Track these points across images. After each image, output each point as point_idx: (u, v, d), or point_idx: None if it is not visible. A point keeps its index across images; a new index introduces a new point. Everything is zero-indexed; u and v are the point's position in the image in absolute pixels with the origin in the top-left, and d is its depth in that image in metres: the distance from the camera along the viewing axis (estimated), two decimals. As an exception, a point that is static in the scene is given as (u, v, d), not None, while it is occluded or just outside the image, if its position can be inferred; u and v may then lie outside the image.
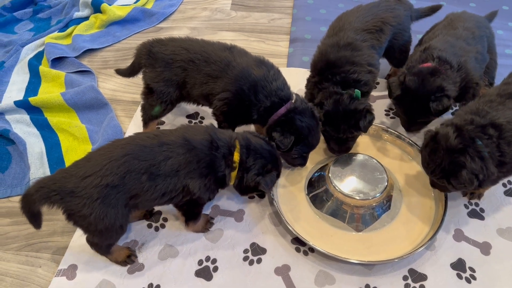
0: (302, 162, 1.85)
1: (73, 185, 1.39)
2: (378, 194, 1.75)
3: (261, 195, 1.88)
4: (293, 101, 1.75)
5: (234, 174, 1.58)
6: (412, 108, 1.89)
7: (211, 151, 1.53)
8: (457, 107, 2.21)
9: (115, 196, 1.42)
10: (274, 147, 1.68)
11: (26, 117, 2.19)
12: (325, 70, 1.90)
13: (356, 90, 1.83)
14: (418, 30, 2.37)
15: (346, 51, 1.92)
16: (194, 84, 1.82)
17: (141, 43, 1.93)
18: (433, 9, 2.36)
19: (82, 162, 1.45)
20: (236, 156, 1.57)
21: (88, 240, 1.61)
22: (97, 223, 1.45)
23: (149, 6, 2.97)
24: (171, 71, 1.84)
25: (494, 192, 1.90)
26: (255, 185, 1.60)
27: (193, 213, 1.70)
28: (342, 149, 1.93)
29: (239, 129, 2.07)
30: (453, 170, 1.56)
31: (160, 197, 1.51)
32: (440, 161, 1.59)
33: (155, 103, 1.91)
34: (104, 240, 1.58)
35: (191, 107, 2.25)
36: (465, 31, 1.98)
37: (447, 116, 2.03)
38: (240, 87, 1.75)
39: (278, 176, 1.68)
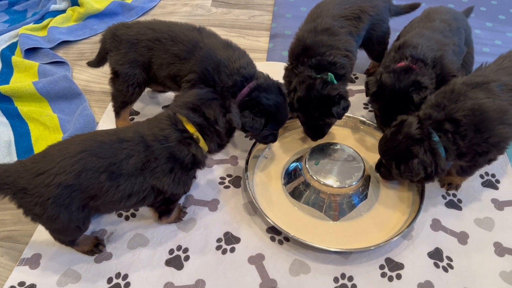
0: (273, 139, 1.80)
1: (25, 182, 1.30)
2: (354, 182, 1.72)
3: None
4: (257, 79, 1.71)
5: (202, 143, 1.50)
6: (389, 104, 1.86)
7: (163, 145, 1.43)
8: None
9: (69, 196, 1.32)
10: (212, 90, 1.60)
11: (-5, 106, 2.11)
12: (301, 55, 1.88)
13: (329, 74, 1.80)
14: (398, 28, 2.37)
15: (323, 35, 1.90)
16: (161, 64, 1.77)
17: (105, 29, 1.88)
18: (412, 7, 2.37)
19: (38, 157, 1.35)
20: (191, 128, 1.47)
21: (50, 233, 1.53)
22: (50, 223, 1.38)
23: (128, 0, 2.93)
24: (136, 52, 1.78)
25: (471, 184, 1.89)
26: (230, 125, 1.53)
27: (167, 210, 1.63)
28: (316, 135, 1.90)
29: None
30: (405, 156, 1.59)
31: (126, 198, 1.41)
32: (397, 144, 1.61)
33: (122, 87, 1.84)
34: (63, 237, 1.52)
35: (166, 98, 2.20)
36: (442, 23, 1.98)
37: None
38: (205, 68, 1.70)
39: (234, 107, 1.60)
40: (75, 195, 1.33)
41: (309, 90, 1.77)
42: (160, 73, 1.79)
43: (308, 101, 1.78)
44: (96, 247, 1.59)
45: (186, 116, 1.49)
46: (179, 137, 1.45)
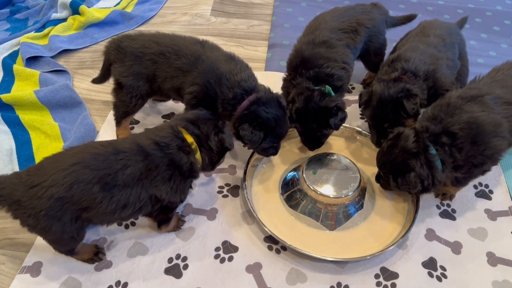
0: (274, 152, 1.84)
1: (20, 194, 1.33)
2: (351, 193, 1.76)
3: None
4: (257, 92, 1.74)
5: (198, 155, 1.55)
6: (379, 113, 1.88)
7: (164, 152, 1.47)
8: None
9: (61, 208, 1.34)
10: (208, 112, 1.67)
11: (-3, 114, 2.14)
12: (299, 66, 1.92)
13: (327, 86, 1.84)
14: (394, 38, 2.42)
15: (321, 48, 1.94)
16: (165, 77, 1.81)
17: (109, 40, 1.92)
18: (408, 18, 2.41)
19: (33, 170, 1.38)
20: (189, 138, 1.53)
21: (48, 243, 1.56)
22: (44, 234, 1.42)
23: (129, 9, 2.97)
24: (141, 65, 1.82)
25: (465, 194, 1.92)
26: (222, 144, 1.59)
27: (166, 218, 1.66)
28: (314, 145, 1.95)
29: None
30: (402, 169, 1.62)
31: (120, 209, 1.42)
32: (394, 158, 1.65)
33: (125, 98, 1.88)
34: (60, 247, 1.55)
35: (166, 107, 2.23)
36: (436, 38, 2.02)
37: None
38: (207, 80, 1.74)
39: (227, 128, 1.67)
40: (66, 207, 1.35)
41: (307, 101, 1.81)
42: (164, 86, 1.84)
43: (306, 113, 1.82)
44: (96, 256, 1.62)
45: (186, 127, 1.55)
46: (180, 145, 1.50)
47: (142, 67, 1.82)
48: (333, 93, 1.86)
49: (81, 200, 1.35)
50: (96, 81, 2.09)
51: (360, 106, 1.97)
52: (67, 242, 1.49)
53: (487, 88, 1.76)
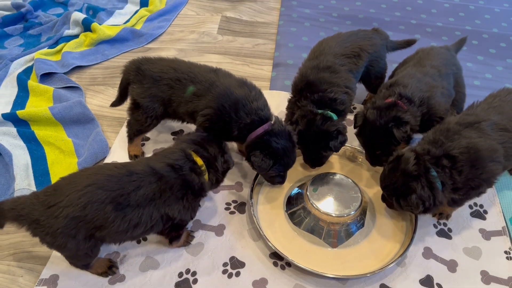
0: (281, 180, 1.94)
1: (38, 214, 1.42)
2: (352, 212, 1.85)
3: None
4: (272, 122, 1.84)
5: (206, 176, 1.67)
6: (371, 139, 2.00)
7: (178, 173, 1.57)
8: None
9: (75, 227, 1.42)
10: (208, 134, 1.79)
11: (13, 129, 2.22)
12: (304, 90, 2.03)
13: (329, 112, 1.95)
14: (393, 59, 2.53)
15: (325, 73, 2.05)
16: (180, 102, 1.91)
17: (129, 60, 2.02)
18: (408, 43, 2.51)
19: (50, 190, 1.46)
20: (199, 160, 1.65)
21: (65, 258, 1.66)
22: (61, 250, 1.52)
23: (138, 27, 3.06)
24: (158, 88, 1.92)
25: (461, 214, 2.01)
26: (227, 165, 1.74)
27: (177, 235, 1.75)
28: (315, 164, 2.06)
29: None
30: (404, 192, 1.70)
31: (132, 228, 1.50)
32: (395, 180, 1.73)
33: (140, 118, 1.98)
34: (75, 262, 1.64)
35: (176, 124, 2.32)
36: (432, 69, 2.11)
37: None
38: (222, 104, 1.83)
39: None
40: (81, 226, 1.43)
41: (309, 124, 1.92)
42: (179, 110, 1.94)
43: (308, 135, 1.93)
44: (110, 269, 1.70)
45: (196, 151, 1.67)
46: (192, 167, 1.62)
47: (159, 90, 1.92)
48: (335, 117, 1.96)
49: (95, 219, 1.44)
50: (115, 104, 2.18)
51: (354, 128, 2.07)
52: (82, 258, 1.59)
53: (484, 115, 1.86)
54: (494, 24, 3.34)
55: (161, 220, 1.57)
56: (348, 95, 2.05)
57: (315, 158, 2.05)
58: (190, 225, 1.89)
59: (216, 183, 1.75)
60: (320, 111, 1.95)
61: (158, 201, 1.53)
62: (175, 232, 1.72)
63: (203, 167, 1.65)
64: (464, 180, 1.71)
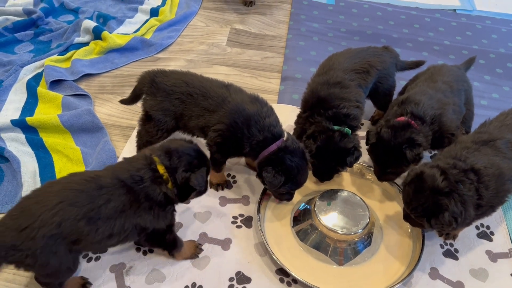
0: (289, 198, 1.94)
1: (12, 239, 1.39)
2: (360, 230, 1.84)
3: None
4: (284, 139, 1.85)
5: (170, 185, 1.57)
6: (384, 157, 2.00)
7: (139, 185, 1.52)
8: (434, 152, 2.34)
9: (54, 244, 1.42)
10: (196, 144, 1.67)
11: (21, 136, 2.23)
12: (316, 106, 2.04)
13: (346, 128, 1.97)
14: (403, 77, 2.54)
15: (336, 88, 2.07)
16: (191, 116, 1.92)
17: (144, 72, 2.04)
18: (418, 64, 2.52)
19: (16, 213, 1.43)
20: (160, 169, 1.56)
21: (36, 280, 1.63)
22: (42, 269, 1.49)
23: (148, 36, 3.08)
24: (170, 102, 1.93)
25: (467, 234, 2.01)
26: (186, 181, 1.57)
27: (168, 242, 1.70)
28: (324, 178, 2.08)
29: (232, 161, 2.19)
30: (435, 210, 1.64)
31: (106, 238, 1.50)
32: (424, 201, 1.66)
33: (151, 130, 1.99)
34: (55, 280, 1.61)
35: (185, 135, 2.32)
36: (444, 84, 2.13)
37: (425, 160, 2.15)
38: (234, 120, 1.84)
39: (208, 171, 1.66)
40: (59, 242, 1.42)
41: (328, 141, 1.94)
42: (190, 124, 1.95)
43: (326, 151, 1.95)
44: (83, 287, 1.68)
45: (159, 157, 1.58)
46: (152, 176, 1.55)
47: (171, 104, 1.93)
48: (350, 133, 1.98)
49: (70, 235, 1.43)
50: (125, 102, 2.21)
51: (367, 145, 2.07)
52: (64, 274, 1.56)
53: (497, 133, 1.87)
54: (501, 44, 3.36)
55: (135, 229, 1.55)
56: (359, 109, 2.08)
57: (327, 173, 2.06)
58: (196, 238, 1.88)
59: (179, 198, 1.63)
60: (336, 127, 1.97)
61: (128, 212, 1.50)
62: (161, 238, 1.67)
63: (165, 176, 1.56)
64: (490, 196, 1.69)
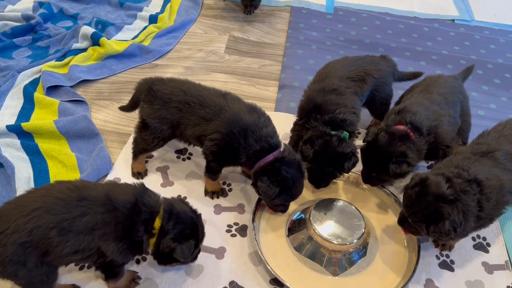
0: (283, 210, 1.93)
1: None
2: (355, 240, 1.83)
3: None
4: (281, 149, 1.84)
5: (152, 241, 1.53)
6: (371, 160, 2.00)
7: (132, 215, 1.48)
8: (431, 163, 2.33)
9: (24, 253, 1.36)
10: (198, 214, 1.65)
11: (16, 141, 2.22)
12: (312, 112, 2.04)
13: (344, 132, 1.96)
14: (400, 86, 2.54)
15: (332, 95, 2.07)
16: (188, 125, 1.92)
17: (142, 79, 2.04)
18: (415, 75, 2.53)
19: None
20: (157, 222, 1.51)
21: None
22: (12, 279, 1.45)
23: (146, 43, 3.08)
24: (167, 110, 1.93)
25: (464, 245, 1.99)
26: (170, 251, 1.52)
27: (112, 272, 1.62)
28: (320, 185, 2.06)
29: (228, 169, 2.18)
30: (436, 217, 1.61)
31: (71, 254, 1.43)
32: (426, 206, 1.63)
33: (148, 138, 1.98)
34: None
35: (181, 143, 2.31)
36: (439, 96, 2.12)
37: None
38: (231, 130, 1.83)
39: (196, 246, 1.60)
40: (29, 252, 1.37)
41: (326, 146, 1.93)
42: (186, 132, 1.94)
43: (324, 156, 1.93)
44: None
45: (164, 211, 1.54)
46: (147, 220, 1.51)
47: (168, 112, 1.93)
48: (347, 138, 1.97)
49: (40, 244, 1.38)
50: (124, 109, 2.20)
51: (363, 142, 2.05)
52: (39, 285, 1.50)
53: (495, 144, 1.87)
54: (499, 55, 3.37)
55: (95, 252, 1.47)
56: (356, 115, 2.07)
57: (323, 179, 2.04)
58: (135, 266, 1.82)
59: (156, 258, 1.60)
60: (333, 132, 1.96)
61: (98, 231, 1.43)
62: (109, 268, 1.59)
63: (155, 231, 1.52)
64: (490, 208, 1.68)
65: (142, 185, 1.59)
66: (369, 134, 2.01)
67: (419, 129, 1.96)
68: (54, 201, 1.41)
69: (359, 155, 2.02)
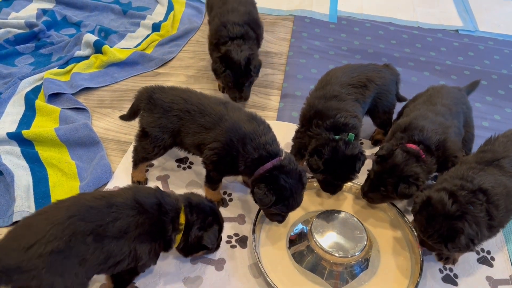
0: (280, 220, 1.89)
1: (16, 260, 1.28)
2: (357, 253, 1.80)
3: (209, 249, 1.74)
4: (282, 158, 1.81)
5: (179, 236, 1.62)
6: (382, 175, 1.93)
7: (160, 216, 1.54)
8: (435, 174, 2.30)
9: (61, 262, 1.33)
10: (214, 203, 1.75)
11: (17, 149, 2.21)
12: (313, 118, 2.02)
13: (350, 134, 1.94)
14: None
15: (332, 101, 2.06)
16: (188, 133, 1.90)
17: (142, 87, 2.02)
18: (405, 100, 2.45)
19: (21, 231, 1.36)
20: (182, 218, 1.61)
21: None
22: None
23: (149, 51, 3.08)
24: (167, 119, 1.92)
25: (467, 259, 1.96)
26: (199, 240, 1.63)
27: (125, 282, 1.65)
28: (336, 190, 2.05)
29: (228, 179, 2.16)
30: (451, 235, 1.62)
31: (103, 261, 1.43)
32: (439, 227, 1.64)
33: (148, 146, 1.97)
34: None
35: (182, 152, 2.30)
36: (443, 107, 2.10)
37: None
38: (230, 139, 1.82)
39: (220, 231, 1.73)
40: (66, 261, 1.34)
41: (335, 152, 1.90)
42: (186, 140, 1.93)
43: (335, 162, 1.91)
44: None
45: (185, 207, 1.64)
46: (174, 217, 1.59)
47: (169, 121, 1.92)
48: (352, 139, 1.95)
49: (79, 252, 1.36)
50: (124, 118, 2.18)
51: (376, 155, 1.98)
52: None
53: (502, 150, 1.85)
54: (503, 65, 3.34)
55: (128, 256, 1.49)
56: (357, 119, 2.05)
57: (338, 185, 2.03)
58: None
59: (183, 251, 1.71)
60: (337, 136, 1.93)
61: (131, 233, 1.47)
62: (127, 277, 1.63)
63: (182, 226, 1.61)
64: (501, 216, 1.67)
65: (158, 188, 1.65)
66: (384, 149, 1.97)
67: (429, 148, 1.93)
68: (87, 209, 1.42)
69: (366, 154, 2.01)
